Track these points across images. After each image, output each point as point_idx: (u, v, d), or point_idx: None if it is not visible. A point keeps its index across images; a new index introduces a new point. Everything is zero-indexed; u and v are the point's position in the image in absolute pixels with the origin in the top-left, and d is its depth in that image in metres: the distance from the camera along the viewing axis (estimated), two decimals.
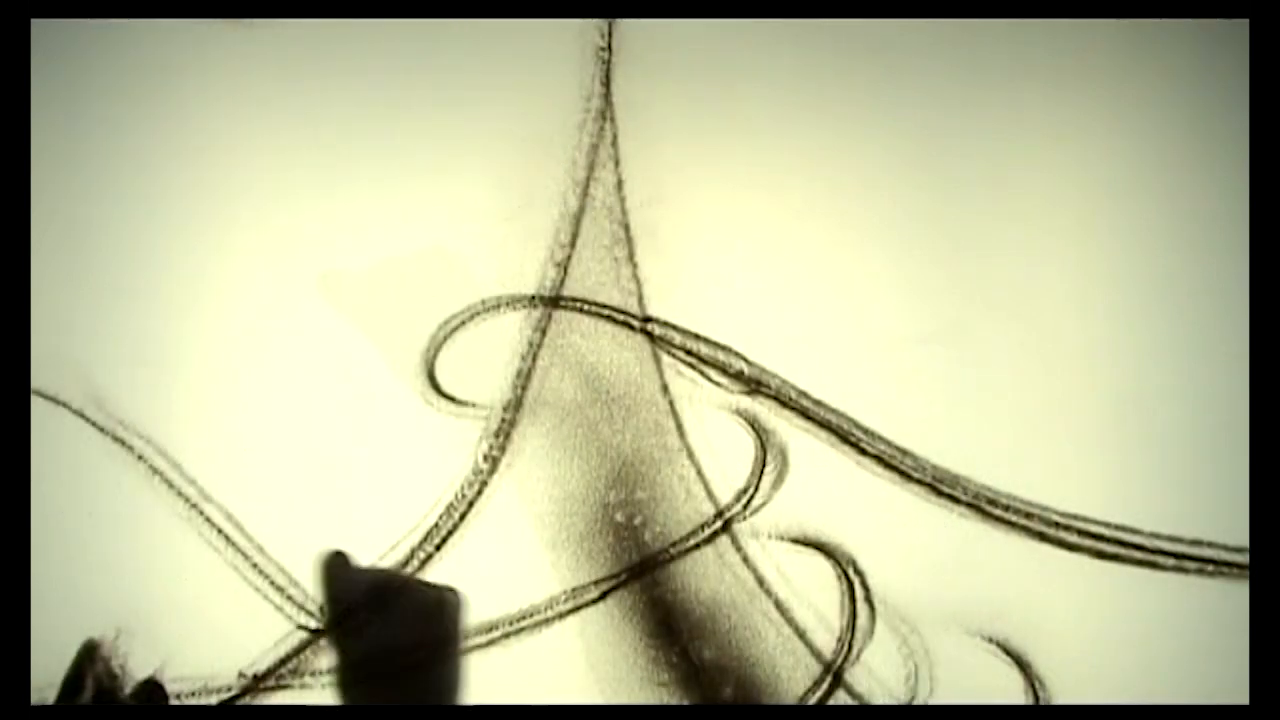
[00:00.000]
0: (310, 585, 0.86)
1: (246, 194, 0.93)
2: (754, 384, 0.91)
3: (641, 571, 0.90)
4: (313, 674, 0.89)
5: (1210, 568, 0.88)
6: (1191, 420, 0.90)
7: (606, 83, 0.93)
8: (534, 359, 0.91)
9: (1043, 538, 0.89)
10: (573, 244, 0.92)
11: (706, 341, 0.91)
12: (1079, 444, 0.90)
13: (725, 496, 0.90)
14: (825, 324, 0.92)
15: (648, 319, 0.92)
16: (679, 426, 0.91)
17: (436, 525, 0.89)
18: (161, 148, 0.93)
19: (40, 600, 0.85)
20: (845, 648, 0.88)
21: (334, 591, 0.72)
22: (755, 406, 0.90)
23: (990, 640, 0.88)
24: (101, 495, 0.90)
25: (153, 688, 0.60)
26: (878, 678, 0.88)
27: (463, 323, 0.91)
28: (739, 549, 0.90)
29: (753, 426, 0.90)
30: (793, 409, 0.90)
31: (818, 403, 0.90)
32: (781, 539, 0.90)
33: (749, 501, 0.90)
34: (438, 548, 0.89)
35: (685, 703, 0.88)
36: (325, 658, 0.89)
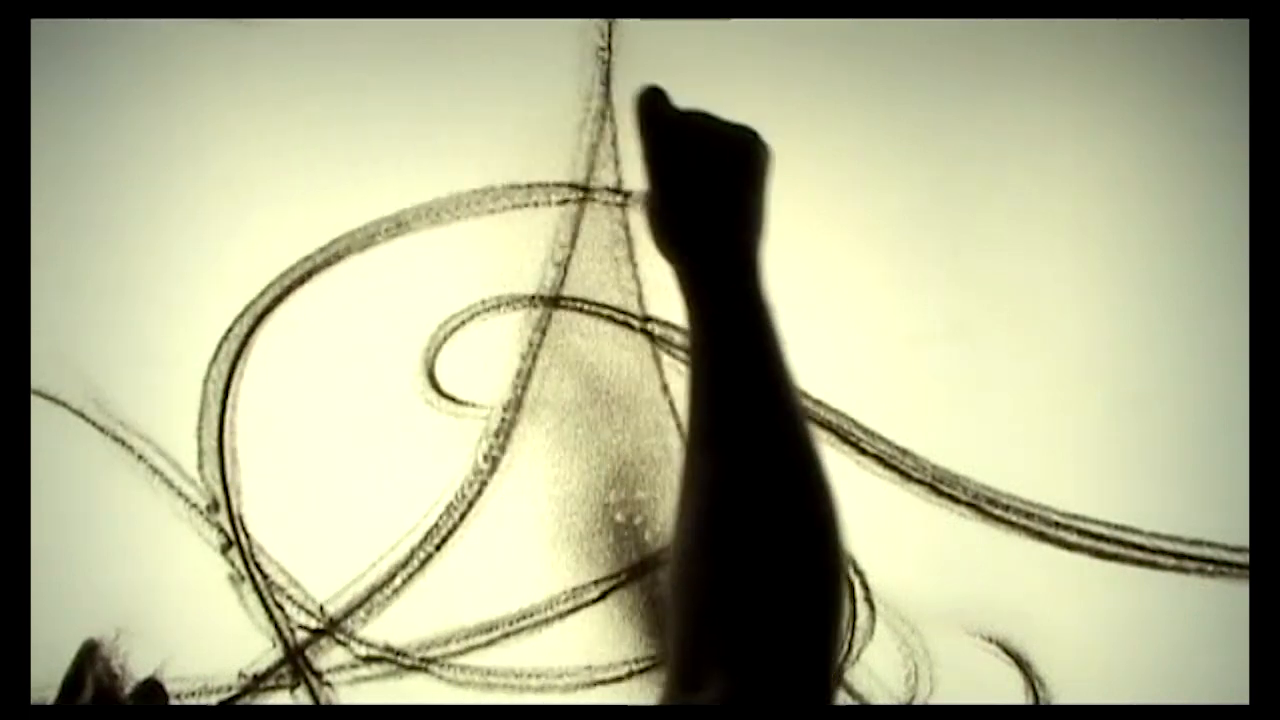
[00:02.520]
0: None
1: (246, 194, 0.93)
2: None
3: (641, 571, 0.90)
4: (313, 674, 0.89)
5: (1210, 568, 0.88)
6: (1191, 420, 0.90)
7: (606, 83, 0.93)
8: (534, 359, 0.91)
9: (1043, 538, 0.89)
10: (573, 244, 0.92)
11: None
12: (1079, 444, 0.90)
13: None
14: (825, 324, 0.91)
15: (648, 319, 0.92)
16: (679, 426, 0.91)
17: (436, 525, 0.89)
18: (162, 147, 0.93)
19: (40, 600, 0.85)
20: (845, 648, 0.88)
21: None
22: None
23: (990, 640, 0.88)
24: (101, 495, 0.90)
25: (153, 688, 0.60)
26: (878, 678, 0.88)
27: (463, 323, 0.91)
28: None
29: None
30: None
31: (818, 403, 0.90)
32: None
33: None
34: (438, 548, 0.89)
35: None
36: (325, 658, 0.89)
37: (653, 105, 0.72)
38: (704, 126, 0.70)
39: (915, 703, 0.88)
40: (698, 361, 0.65)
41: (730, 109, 0.94)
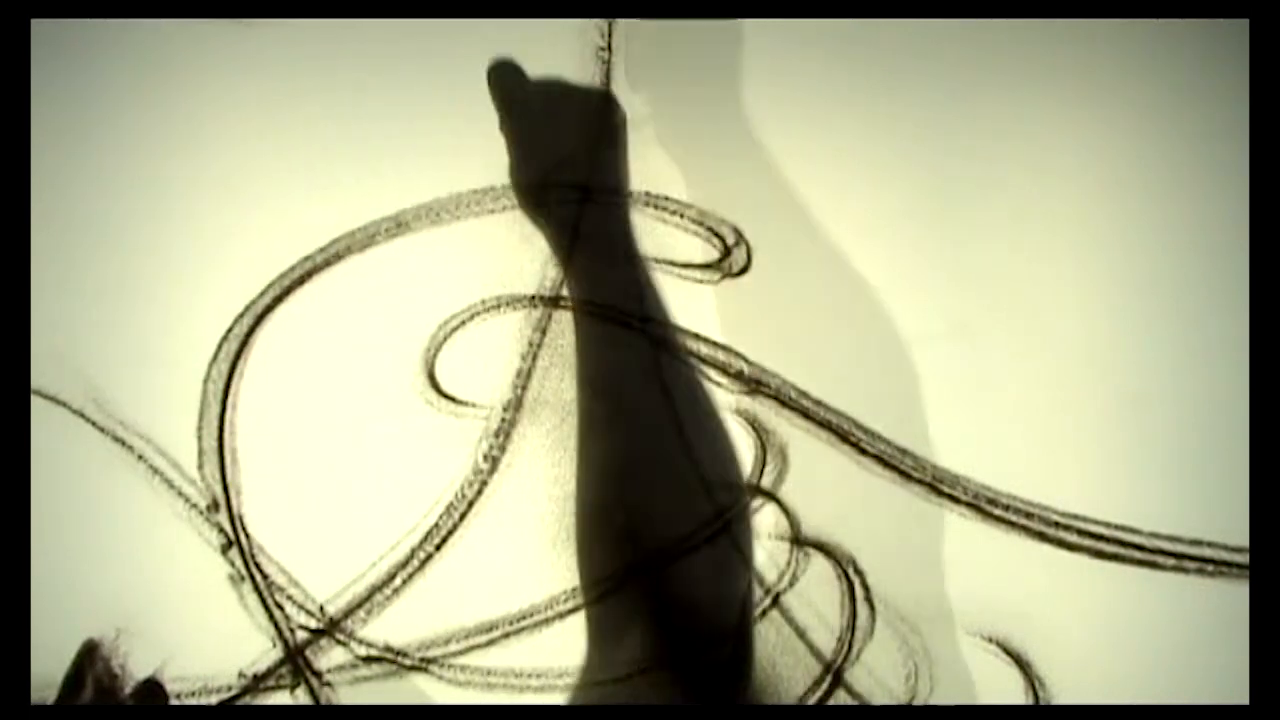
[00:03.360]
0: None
1: (246, 194, 0.93)
2: (754, 384, 0.91)
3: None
4: (313, 674, 0.89)
5: (1210, 568, 0.88)
6: (1191, 420, 0.90)
7: (606, 83, 0.93)
8: (534, 359, 0.91)
9: (1043, 538, 0.89)
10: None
11: (706, 341, 0.91)
12: (1079, 444, 0.90)
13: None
14: (825, 324, 0.91)
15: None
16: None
17: (436, 525, 0.89)
18: (161, 147, 0.93)
19: (40, 600, 0.85)
20: (845, 647, 0.88)
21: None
22: (755, 406, 0.90)
23: (990, 640, 0.88)
24: (101, 495, 0.90)
25: (153, 688, 0.60)
26: (878, 678, 0.88)
27: (463, 323, 0.91)
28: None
29: (753, 426, 0.90)
30: (793, 409, 0.90)
31: (818, 403, 0.90)
32: (781, 539, 0.90)
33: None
34: (438, 548, 0.89)
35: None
36: (325, 658, 0.89)
37: (505, 76, 0.74)
38: (556, 90, 0.73)
39: (915, 703, 0.88)
40: (577, 316, 0.67)
41: (730, 109, 0.94)
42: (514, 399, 0.91)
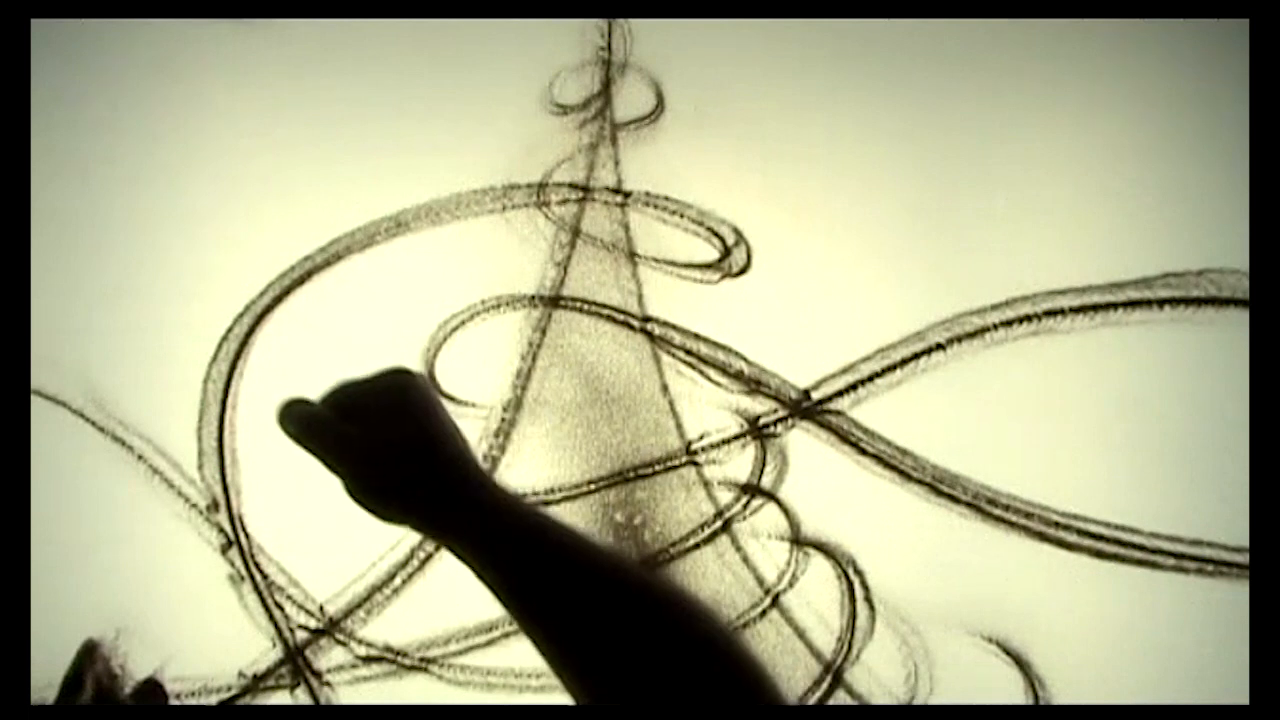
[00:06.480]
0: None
1: (246, 194, 0.93)
2: (754, 384, 0.91)
3: None
4: (313, 674, 0.89)
5: (1210, 568, 0.88)
6: (1192, 420, 0.90)
7: (606, 83, 0.93)
8: (534, 359, 0.91)
9: (1043, 538, 0.89)
10: (573, 244, 0.92)
11: (706, 341, 0.91)
12: (1079, 444, 0.90)
13: (725, 496, 0.90)
14: (825, 324, 0.91)
15: (648, 319, 0.92)
16: (679, 426, 0.91)
17: None
18: (161, 148, 0.93)
19: (40, 600, 0.85)
20: (845, 647, 0.88)
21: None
22: (755, 406, 0.90)
23: (990, 640, 0.88)
24: (101, 496, 0.90)
25: (153, 688, 0.60)
26: (878, 678, 0.88)
27: (463, 323, 0.91)
28: (739, 549, 0.90)
29: (752, 426, 0.90)
30: (793, 409, 0.90)
31: (817, 403, 0.90)
32: (781, 539, 0.90)
33: (749, 501, 0.90)
34: (438, 548, 0.89)
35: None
36: (325, 658, 0.89)
37: (297, 412, 0.70)
38: (350, 394, 0.69)
39: (915, 703, 0.88)
40: (503, 595, 0.62)
41: (731, 109, 0.94)
42: (514, 399, 0.91)
